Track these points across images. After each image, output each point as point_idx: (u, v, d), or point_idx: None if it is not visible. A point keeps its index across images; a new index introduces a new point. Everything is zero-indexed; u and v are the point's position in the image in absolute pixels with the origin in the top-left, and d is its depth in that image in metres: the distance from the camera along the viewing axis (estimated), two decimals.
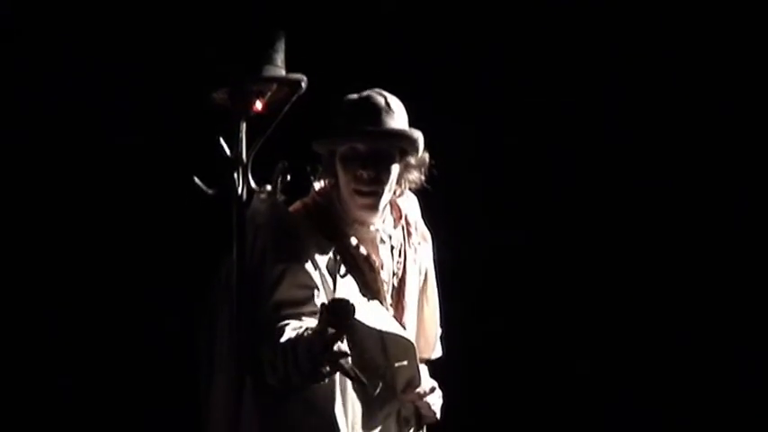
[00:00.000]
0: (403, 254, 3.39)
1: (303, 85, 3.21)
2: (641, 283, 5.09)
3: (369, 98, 3.25)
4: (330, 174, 3.27)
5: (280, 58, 3.22)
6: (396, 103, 3.25)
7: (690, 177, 5.05)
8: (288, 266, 3.17)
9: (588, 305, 5.09)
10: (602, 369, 5.09)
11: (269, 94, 3.23)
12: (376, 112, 3.23)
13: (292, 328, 3.09)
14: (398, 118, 3.24)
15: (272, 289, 3.16)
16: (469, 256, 4.81)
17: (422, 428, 3.42)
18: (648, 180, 5.07)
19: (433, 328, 3.53)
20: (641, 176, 5.07)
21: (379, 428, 3.28)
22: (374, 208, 3.23)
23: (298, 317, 3.13)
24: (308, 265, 3.19)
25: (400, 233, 3.39)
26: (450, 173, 3.44)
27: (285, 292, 3.16)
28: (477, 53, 5.03)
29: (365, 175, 3.20)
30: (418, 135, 3.26)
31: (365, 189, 3.22)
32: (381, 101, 3.24)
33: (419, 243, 3.42)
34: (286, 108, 3.24)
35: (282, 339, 3.06)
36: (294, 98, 3.23)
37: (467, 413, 4.59)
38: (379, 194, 3.22)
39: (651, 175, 5.07)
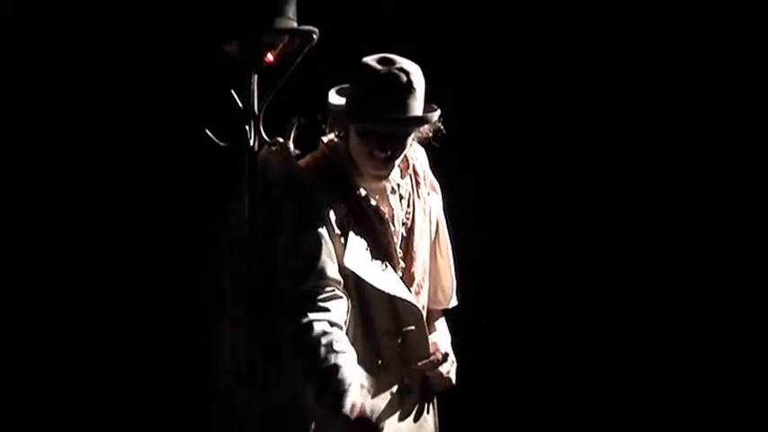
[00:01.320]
0: (412, 203, 3.40)
1: (315, 36, 3.21)
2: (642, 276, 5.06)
3: (393, 78, 3.19)
4: (341, 129, 3.28)
5: (291, 9, 3.21)
6: (417, 78, 3.21)
7: (688, 177, 5.02)
8: (307, 232, 3.20)
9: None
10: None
11: (280, 46, 3.22)
12: (401, 95, 3.19)
13: (330, 341, 3.13)
14: (419, 96, 3.21)
15: (291, 255, 3.19)
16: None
17: (429, 399, 3.42)
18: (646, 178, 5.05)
19: (449, 278, 3.53)
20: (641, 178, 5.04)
21: (381, 396, 3.29)
22: (386, 176, 3.27)
23: (324, 293, 3.17)
24: (324, 231, 3.21)
25: (408, 183, 3.39)
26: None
27: (305, 260, 3.19)
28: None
29: (382, 155, 3.21)
30: (437, 114, 3.26)
31: (380, 165, 3.24)
32: (404, 78, 3.19)
33: (428, 193, 3.43)
34: (298, 60, 3.24)
35: (321, 333, 3.12)
36: (306, 50, 3.23)
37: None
38: (391, 166, 3.25)
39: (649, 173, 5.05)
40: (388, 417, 3.32)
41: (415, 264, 3.37)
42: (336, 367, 3.11)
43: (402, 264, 3.35)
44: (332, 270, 3.20)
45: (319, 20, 3.29)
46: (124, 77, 4.88)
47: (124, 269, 4.96)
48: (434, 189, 3.47)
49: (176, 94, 4.75)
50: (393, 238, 3.33)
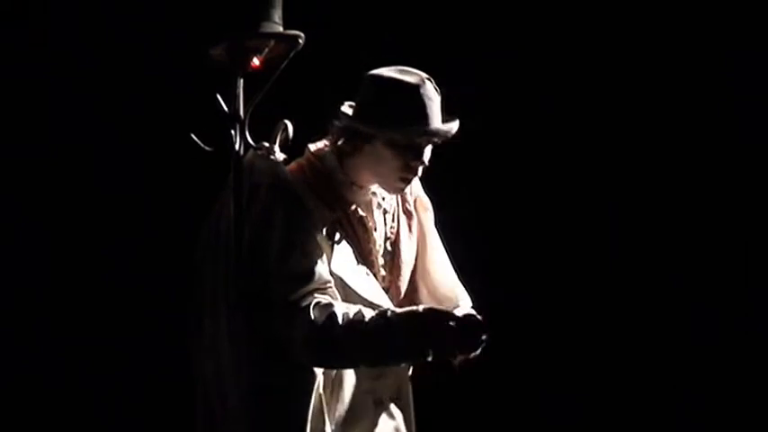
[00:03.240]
0: (397, 219, 3.42)
1: (301, 41, 3.21)
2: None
3: (428, 88, 3.23)
4: (351, 145, 3.27)
5: (277, 14, 3.20)
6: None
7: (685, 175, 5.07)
8: (297, 235, 3.20)
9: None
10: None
11: (266, 50, 3.22)
12: (436, 105, 3.24)
13: (349, 310, 3.16)
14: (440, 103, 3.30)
15: (282, 258, 3.19)
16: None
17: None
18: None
19: (450, 287, 3.54)
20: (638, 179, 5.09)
21: (356, 406, 3.32)
22: (406, 186, 3.32)
23: (318, 292, 3.18)
24: (315, 234, 3.22)
25: (394, 199, 3.42)
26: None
27: (298, 263, 3.20)
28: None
29: (420, 165, 3.25)
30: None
31: (412, 177, 3.28)
32: (435, 87, 3.24)
33: (414, 210, 3.46)
34: (284, 64, 3.25)
35: (348, 316, 3.15)
36: (292, 54, 3.24)
37: None
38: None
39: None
40: (363, 426, 3.34)
41: (401, 278, 3.40)
42: (380, 325, 3.14)
43: (387, 276, 3.38)
44: (325, 272, 3.22)
45: (306, 24, 3.27)
46: (110, 81, 4.88)
47: (106, 272, 4.96)
48: (425, 207, 3.50)
49: (162, 97, 4.76)
50: (375, 248, 3.35)
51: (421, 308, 3.21)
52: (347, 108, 3.32)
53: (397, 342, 3.16)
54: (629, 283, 5.09)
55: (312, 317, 3.15)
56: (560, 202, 5.11)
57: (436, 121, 3.23)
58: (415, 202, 3.47)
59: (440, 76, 3.30)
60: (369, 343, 3.17)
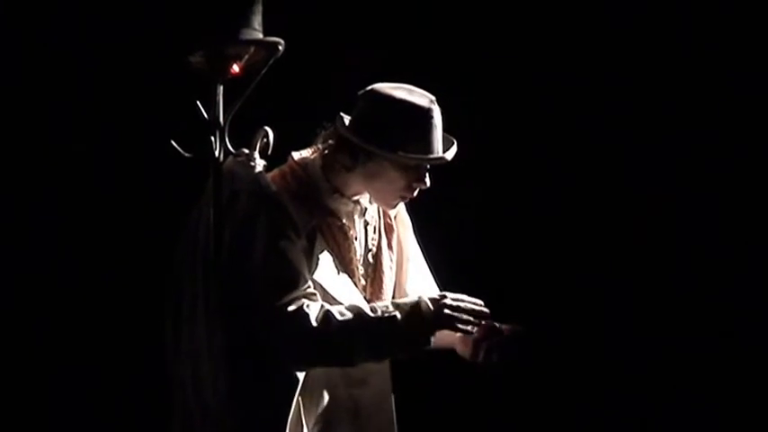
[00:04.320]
0: (378, 231, 3.46)
1: (280, 48, 3.22)
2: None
3: (437, 114, 3.28)
4: (351, 158, 3.28)
5: (257, 20, 3.22)
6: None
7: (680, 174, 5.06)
8: (280, 242, 3.22)
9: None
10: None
11: (246, 57, 3.23)
12: (441, 129, 3.30)
13: (341, 309, 3.21)
14: None
15: (266, 264, 3.21)
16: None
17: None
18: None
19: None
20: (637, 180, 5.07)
21: (334, 410, 3.35)
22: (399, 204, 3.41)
23: (305, 297, 3.20)
24: (297, 241, 3.24)
25: (376, 212, 3.46)
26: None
27: (283, 269, 3.22)
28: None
29: (423, 186, 3.31)
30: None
31: (410, 196, 3.34)
32: (440, 112, 3.29)
33: (394, 226, 3.50)
34: (263, 71, 3.25)
35: (341, 314, 3.19)
36: (271, 61, 3.24)
37: None
38: None
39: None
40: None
41: (383, 290, 3.44)
42: (381, 321, 3.20)
43: (368, 287, 3.42)
44: (308, 276, 3.25)
45: (286, 31, 3.28)
46: (89, 88, 4.88)
47: (89, 276, 4.96)
48: (404, 223, 3.55)
49: (141, 104, 4.76)
50: (356, 257, 3.38)
51: (417, 299, 3.25)
52: (347, 121, 3.34)
53: (394, 334, 3.21)
54: (628, 285, 5.07)
55: (307, 317, 3.17)
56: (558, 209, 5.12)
57: (443, 146, 3.30)
58: (395, 217, 3.52)
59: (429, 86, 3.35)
60: (369, 336, 3.21)
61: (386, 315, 3.23)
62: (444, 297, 3.30)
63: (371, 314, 3.23)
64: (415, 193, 3.36)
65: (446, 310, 3.25)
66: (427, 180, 3.32)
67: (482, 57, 5.06)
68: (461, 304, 3.26)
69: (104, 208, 4.95)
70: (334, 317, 3.20)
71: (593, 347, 5.09)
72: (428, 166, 3.31)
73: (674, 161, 5.06)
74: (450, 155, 3.31)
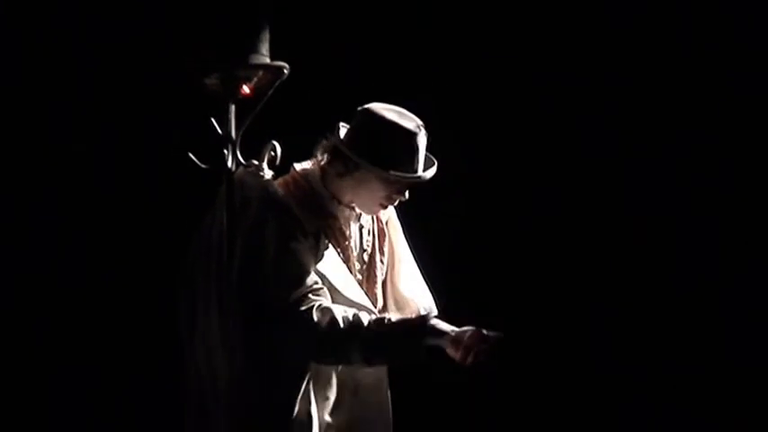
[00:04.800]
0: (372, 234, 3.60)
1: (285, 71, 3.34)
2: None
3: (423, 139, 3.42)
4: (343, 167, 3.42)
5: (265, 47, 3.32)
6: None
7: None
8: (290, 243, 3.34)
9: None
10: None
11: (255, 79, 3.33)
12: (426, 154, 3.45)
13: (348, 314, 3.31)
14: None
15: (278, 264, 3.32)
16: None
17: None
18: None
19: (422, 296, 3.68)
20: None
21: (336, 393, 3.47)
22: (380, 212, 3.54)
23: (313, 293, 3.33)
24: (305, 242, 3.37)
25: (369, 218, 3.60)
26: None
27: (292, 268, 3.34)
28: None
29: (403, 198, 3.48)
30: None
31: (390, 205, 3.51)
32: (425, 135, 3.42)
33: (386, 230, 3.63)
34: (270, 91, 3.36)
35: (348, 320, 3.29)
36: (277, 83, 3.35)
37: None
38: None
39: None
40: (341, 410, 3.51)
41: (377, 286, 3.59)
42: (382, 325, 3.31)
43: (365, 283, 3.54)
44: (316, 275, 3.38)
45: (290, 56, 3.39)
46: (122, 107, 4.93)
47: (88, 276, 4.96)
48: (396, 227, 3.67)
49: (163, 121, 4.81)
50: (353, 256, 3.52)
51: (414, 316, 3.41)
52: (343, 131, 3.46)
53: (392, 345, 3.33)
54: (615, 289, 5.09)
55: (314, 319, 3.29)
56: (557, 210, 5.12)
57: (423, 167, 3.44)
58: (387, 222, 3.65)
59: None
60: (367, 345, 3.32)
61: (384, 331, 3.32)
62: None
63: (374, 327, 3.32)
64: (395, 204, 3.50)
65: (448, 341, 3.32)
66: (406, 194, 3.46)
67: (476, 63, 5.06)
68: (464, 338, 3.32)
69: (129, 212, 4.96)
70: (338, 323, 3.29)
71: (577, 351, 5.09)
72: (409, 184, 3.45)
73: (659, 181, 5.05)
74: (429, 174, 3.44)
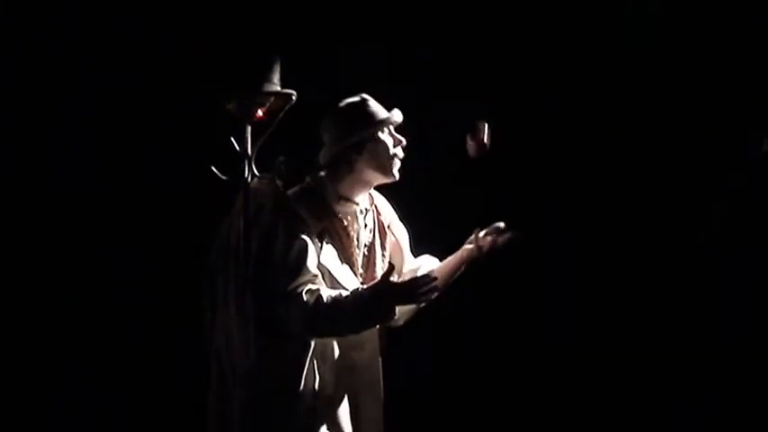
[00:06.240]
0: (373, 232, 3.86)
1: (293, 97, 3.62)
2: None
3: (371, 99, 3.75)
4: (347, 163, 3.69)
5: (276, 77, 3.58)
6: None
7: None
8: (295, 241, 3.59)
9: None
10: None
11: (268, 104, 3.60)
12: (384, 106, 3.77)
13: (331, 293, 3.57)
14: None
15: (283, 257, 3.58)
16: None
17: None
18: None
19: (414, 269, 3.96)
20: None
21: (334, 372, 3.70)
22: (397, 172, 3.78)
23: (310, 282, 3.59)
24: (308, 240, 3.62)
25: (371, 215, 3.86)
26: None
27: (294, 261, 3.58)
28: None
29: (399, 144, 3.76)
30: None
31: (401, 153, 3.76)
32: (372, 99, 3.77)
33: (389, 230, 3.88)
34: (281, 114, 3.63)
35: (331, 297, 3.54)
36: (287, 107, 3.63)
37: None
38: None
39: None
40: (341, 386, 3.74)
41: (375, 275, 3.84)
42: (364, 295, 3.55)
43: (364, 273, 3.83)
44: (314, 267, 3.65)
45: (299, 84, 3.62)
46: (155, 128, 5.11)
47: (89, 276, 5.06)
48: (399, 229, 3.95)
49: (191, 140, 4.99)
50: (355, 251, 3.80)
51: (380, 281, 3.62)
52: (324, 151, 3.77)
53: (369, 309, 3.57)
54: (625, 289, 5.15)
55: (305, 299, 3.57)
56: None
57: (389, 111, 3.75)
58: (389, 225, 3.95)
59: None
60: (348, 314, 3.55)
61: (357, 300, 3.56)
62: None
63: (350, 298, 3.56)
64: (402, 152, 3.75)
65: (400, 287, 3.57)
66: (403, 140, 3.74)
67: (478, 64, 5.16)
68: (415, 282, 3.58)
69: (159, 220, 5.11)
70: (323, 301, 3.54)
71: (577, 351, 5.15)
72: (393, 128, 3.72)
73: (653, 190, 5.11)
74: (398, 113, 3.74)
